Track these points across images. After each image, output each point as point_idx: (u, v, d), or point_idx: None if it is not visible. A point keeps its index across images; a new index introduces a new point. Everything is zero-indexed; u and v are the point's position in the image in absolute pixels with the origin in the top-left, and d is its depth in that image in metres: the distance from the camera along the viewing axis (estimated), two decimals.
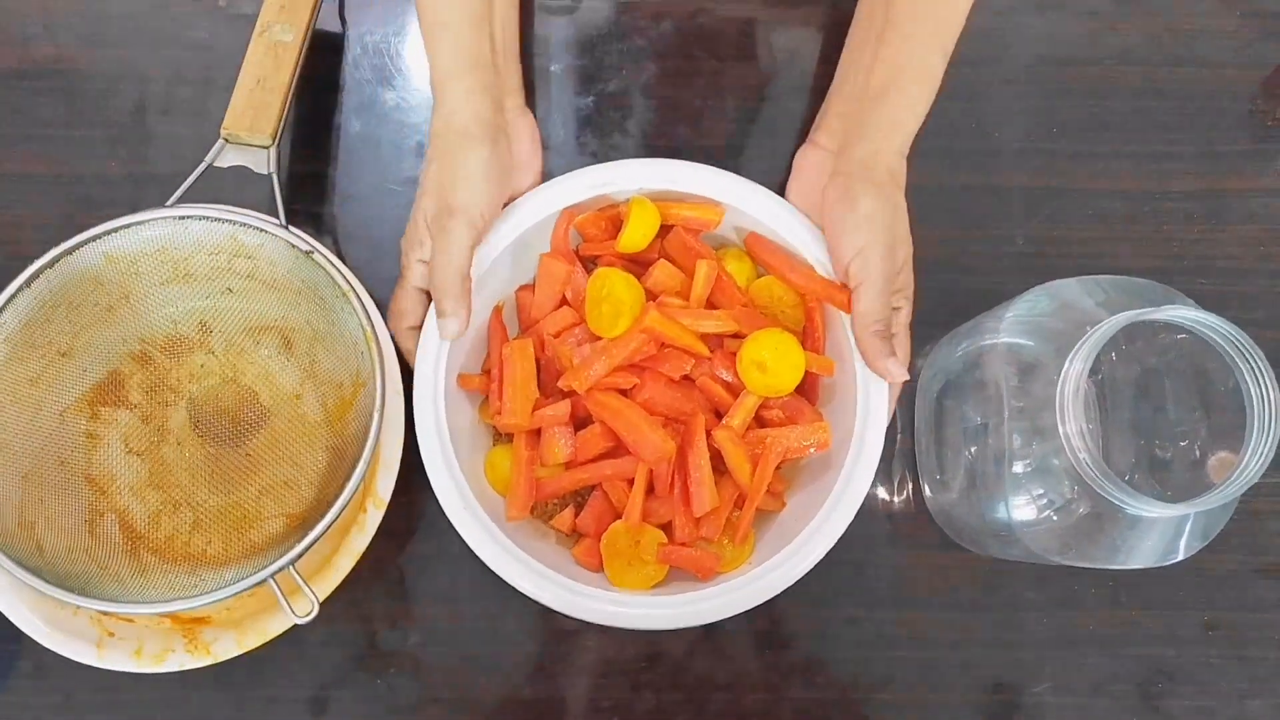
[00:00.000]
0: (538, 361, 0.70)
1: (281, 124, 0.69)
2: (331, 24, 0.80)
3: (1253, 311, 0.77)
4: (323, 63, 0.79)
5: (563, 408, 0.68)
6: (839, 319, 0.68)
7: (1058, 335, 0.60)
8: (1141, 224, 0.78)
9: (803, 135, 0.76)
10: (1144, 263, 0.77)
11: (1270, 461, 0.54)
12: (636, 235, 0.69)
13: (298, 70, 0.70)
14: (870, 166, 0.66)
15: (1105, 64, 0.81)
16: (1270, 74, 0.81)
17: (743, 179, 0.69)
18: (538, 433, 0.69)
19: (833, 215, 0.66)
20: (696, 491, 0.66)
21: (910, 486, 0.75)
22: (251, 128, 0.68)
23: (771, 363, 0.66)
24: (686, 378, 0.68)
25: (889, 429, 0.74)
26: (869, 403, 0.66)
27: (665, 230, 0.71)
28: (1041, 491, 0.61)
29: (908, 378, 0.66)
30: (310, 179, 0.77)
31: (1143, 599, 0.73)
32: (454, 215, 0.64)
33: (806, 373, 0.67)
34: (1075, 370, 0.57)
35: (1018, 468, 0.62)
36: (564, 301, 0.71)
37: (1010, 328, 0.63)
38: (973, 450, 0.68)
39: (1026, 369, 0.62)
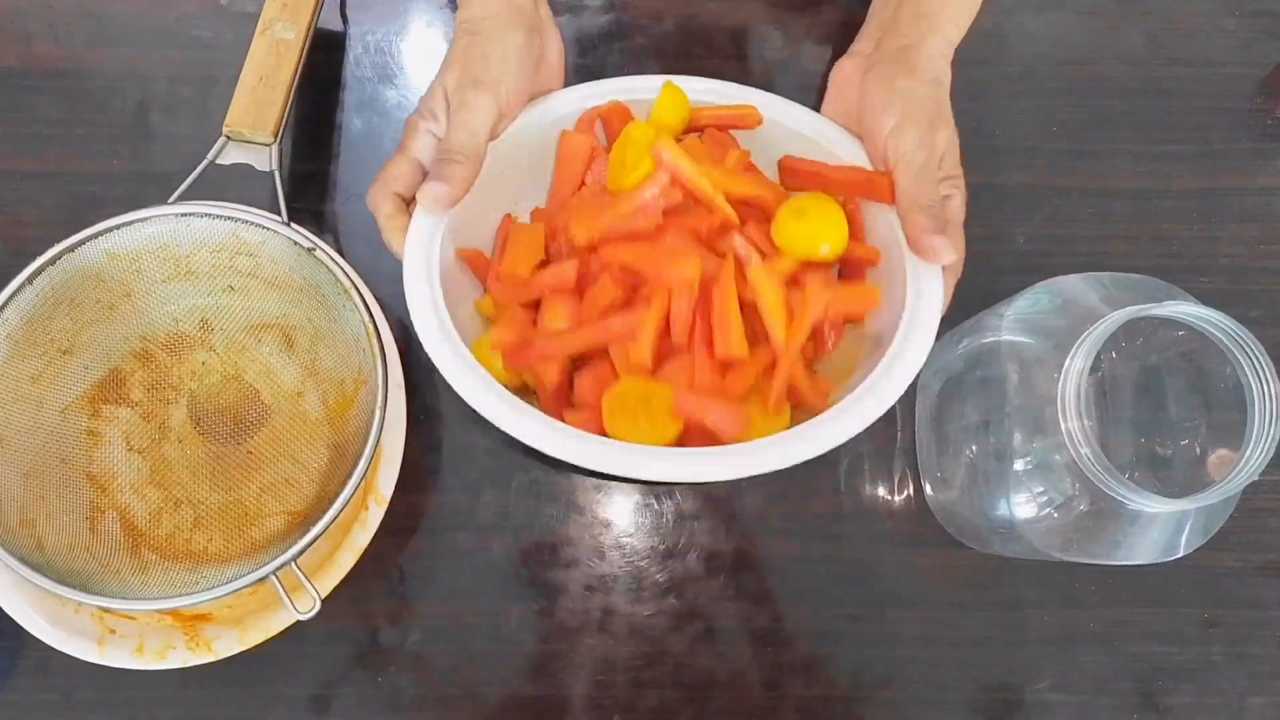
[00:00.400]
0: (547, 249, 0.65)
1: (283, 121, 0.69)
2: (333, 22, 0.81)
3: (1252, 310, 0.77)
4: (324, 61, 0.79)
5: (568, 269, 0.61)
6: (884, 220, 0.63)
7: (1059, 332, 0.60)
8: (1141, 222, 0.78)
9: None
10: (1144, 261, 0.78)
11: (1271, 458, 0.54)
12: (667, 113, 0.65)
13: (299, 68, 0.70)
14: (907, 56, 0.64)
15: (1105, 63, 0.81)
16: (1270, 73, 0.81)
17: (782, 98, 0.67)
18: (537, 306, 0.63)
19: (868, 102, 0.64)
20: (720, 326, 0.58)
21: (911, 484, 0.75)
22: (254, 125, 0.68)
23: (812, 213, 0.60)
24: (712, 246, 0.62)
25: (890, 423, 0.75)
26: (920, 288, 0.60)
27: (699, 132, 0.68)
28: (1043, 489, 0.61)
29: (955, 257, 0.61)
30: (312, 177, 0.77)
31: (1144, 597, 0.73)
32: (480, 88, 0.62)
33: (850, 262, 0.63)
34: (1076, 366, 0.57)
35: (1019, 465, 0.62)
36: (583, 184, 0.67)
37: (1011, 325, 0.63)
38: (974, 448, 0.68)
39: (1027, 366, 0.63)
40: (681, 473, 0.55)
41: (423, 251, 0.61)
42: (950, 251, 0.60)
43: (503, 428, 0.56)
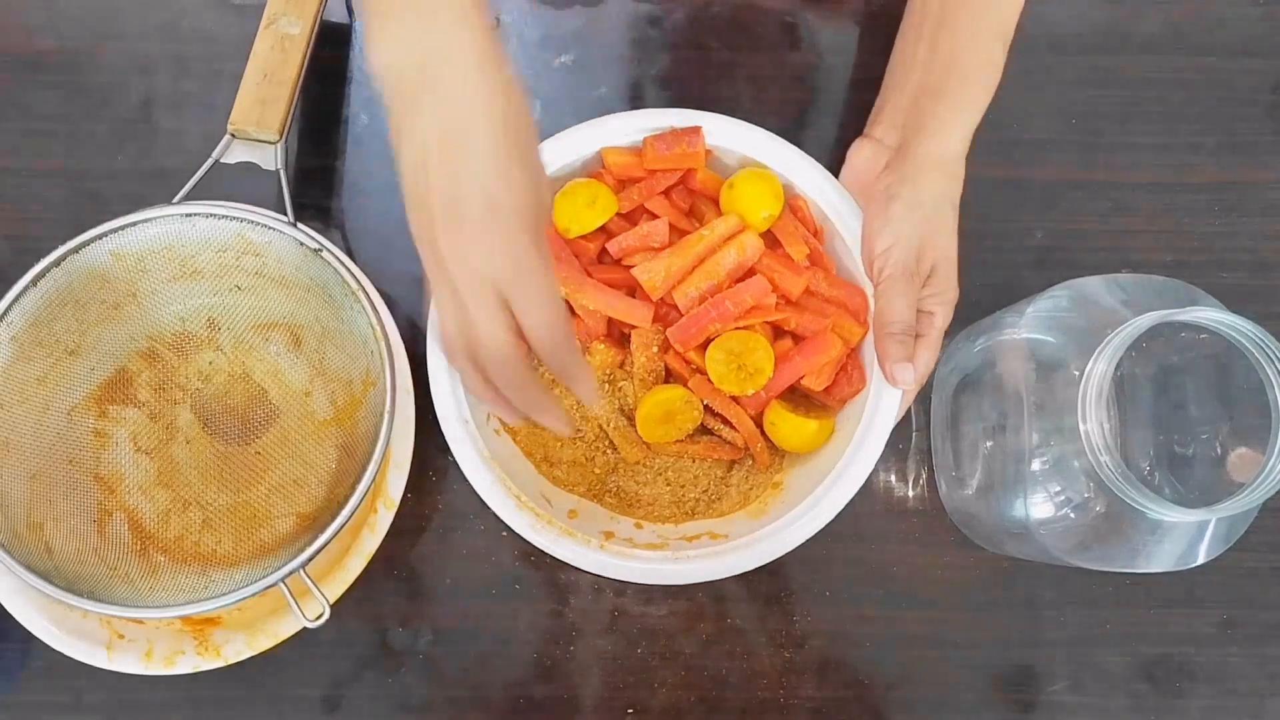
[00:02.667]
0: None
1: (289, 118, 0.68)
2: (339, 15, 0.79)
3: (1273, 306, 0.76)
4: (330, 55, 0.78)
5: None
6: (847, 251, 0.68)
7: (1079, 332, 0.59)
8: (1162, 217, 0.77)
9: (818, 124, 0.76)
10: (1164, 256, 0.76)
11: None
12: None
13: (305, 63, 0.69)
14: (920, 166, 0.64)
15: (1126, 54, 0.79)
16: None
17: (809, 159, 0.69)
18: None
19: (869, 210, 0.66)
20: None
21: (926, 484, 0.74)
22: (259, 123, 0.67)
23: (746, 186, 0.68)
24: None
25: (904, 425, 0.74)
26: (880, 402, 0.66)
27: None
28: (1059, 489, 0.60)
29: (912, 385, 0.65)
30: (319, 173, 0.76)
31: (1161, 597, 0.72)
32: (517, 233, 0.49)
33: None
34: (1099, 371, 0.56)
35: (1035, 465, 0.61)
36: None
37: (1031, 324, 0.62)
38: (989, 447, 0.67)
39: (1047, 366, 0.62)
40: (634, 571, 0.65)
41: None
42: (909, 379, 0.64)
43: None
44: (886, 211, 0.64)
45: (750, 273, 0.69)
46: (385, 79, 0.49)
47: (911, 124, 0.66)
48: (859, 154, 0.70)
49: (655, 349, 0.68)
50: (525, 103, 0.51)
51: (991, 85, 0.65)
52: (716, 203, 0.71)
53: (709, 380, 0.68)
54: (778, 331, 0.69)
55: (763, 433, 0.70)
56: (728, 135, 0.69)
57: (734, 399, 0.68)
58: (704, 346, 0.68)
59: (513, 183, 0.49)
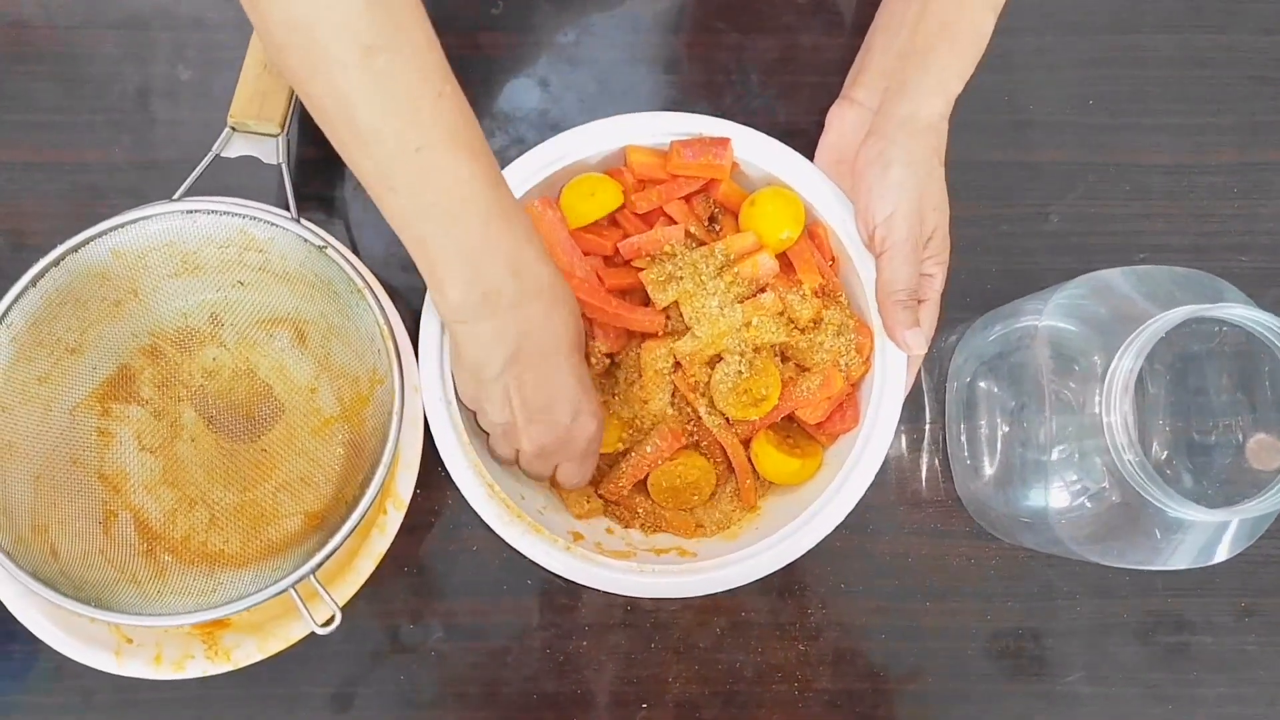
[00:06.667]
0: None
1: (291, 109, 0.66)
2: None
3: None
4: None
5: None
6: (860, 286, 0.67)
7: (1102, 323, 0.58)
8: (1180, 199, 0.76)
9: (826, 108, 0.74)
10: (1182, 240, 0.75)
11: None
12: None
13: None
14: (909, 129, 0.63)
15: (1143, 33, 0.77)
16: None
17: (825, 176, 0.68)
18: None
19: (864, 178, 0.64)
20: None
21: (940, 475, 0.73)
22: (259, 115, 0.65)
23: (768, 204, 0.68)
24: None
25: (918, 412, 0.73)
26: (885, 372, 0.65)
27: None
28: (1076, 479, 0.60)
29: (925, 350, 0.65)
30: (322, 163, 0.75)
31: (1178, 586, 0.71)
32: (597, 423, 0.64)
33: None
34: (1125, 367, 0.55)
35: (1054, 455, 0.60)
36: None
37: (1054, 312, 0.61)
38: (1006, 435, 0.66)
39: (1067, 355, 0.61)
40: (659, 588, 0.64)
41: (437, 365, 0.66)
42: (922, 345, 0.64)
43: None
44: (886, 177, 0.63)
45: (761, 291, 0.68)
46: (455, 309, 0.57)
47: (895, 85, 0.65)
48: (841, 120, 0.69)
49: (664, 367, 0.68)
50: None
51: (978, 54, 0.64)
52: (736, 216, 0.69)
53: (713, 404, 0.67)
54: (781, 358, 0.69)
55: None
56: (756, 150, 0.68)
57: (728, 421, 0.68)
58: (713, 362, 0.67)
59: (587, 382, 0.63)
